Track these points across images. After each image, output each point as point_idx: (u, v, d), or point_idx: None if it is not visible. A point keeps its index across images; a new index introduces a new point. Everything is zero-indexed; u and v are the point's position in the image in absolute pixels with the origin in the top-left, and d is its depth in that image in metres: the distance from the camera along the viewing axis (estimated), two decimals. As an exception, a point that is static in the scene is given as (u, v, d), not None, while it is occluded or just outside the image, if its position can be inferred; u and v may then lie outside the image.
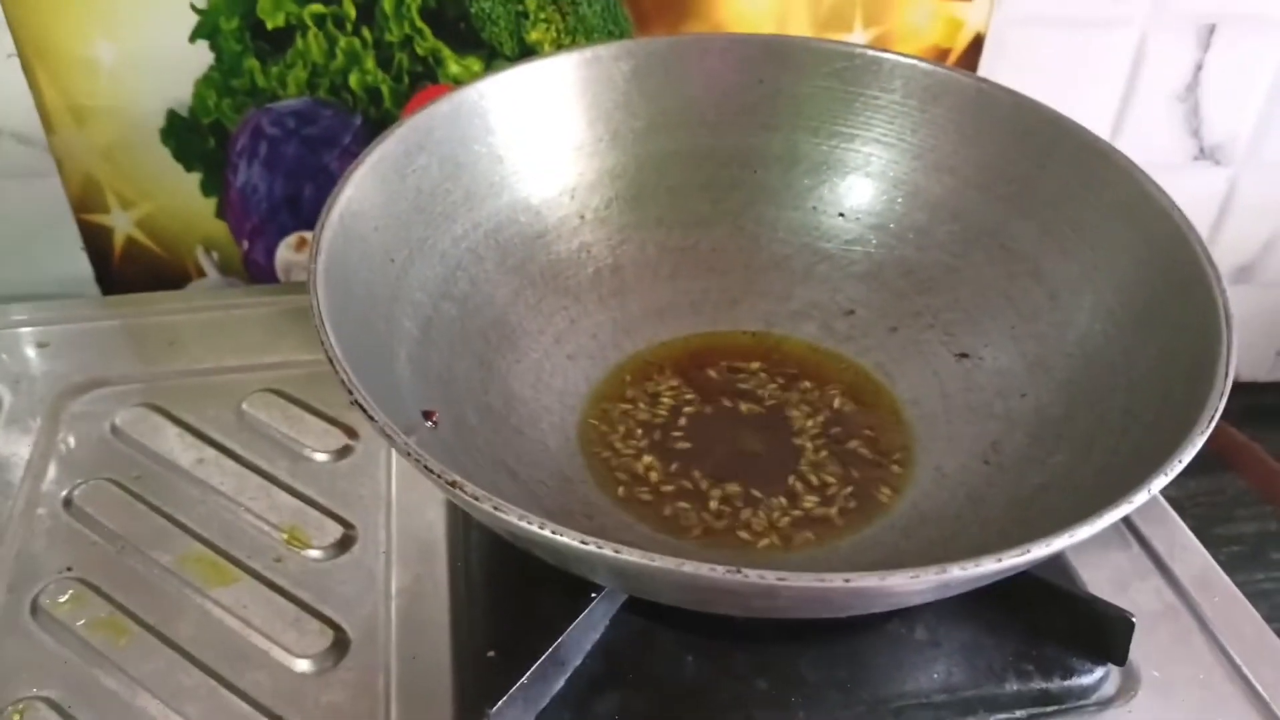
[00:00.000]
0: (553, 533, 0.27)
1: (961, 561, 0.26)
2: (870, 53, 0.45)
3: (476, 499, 0.28)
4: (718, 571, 0.26)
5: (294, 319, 0.51)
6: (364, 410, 0.30)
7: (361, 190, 0.38)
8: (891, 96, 0.45)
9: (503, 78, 0.43)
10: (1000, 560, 0.26)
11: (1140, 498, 0.28)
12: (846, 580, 0.26)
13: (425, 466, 0.29)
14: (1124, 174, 0.40)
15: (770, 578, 0.26)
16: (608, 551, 0.27)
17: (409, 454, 0.29)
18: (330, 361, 0.31)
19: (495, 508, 0.28)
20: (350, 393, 0.31)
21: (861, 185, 0.46)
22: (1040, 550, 0.27)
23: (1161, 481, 0.29)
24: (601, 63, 0.45)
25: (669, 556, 0.26)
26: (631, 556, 0.27)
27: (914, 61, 0.45)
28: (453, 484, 0.28)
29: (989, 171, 0.44)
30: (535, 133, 0.44)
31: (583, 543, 0.27)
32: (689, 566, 0.26)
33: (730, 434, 0.42)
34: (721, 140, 0.47)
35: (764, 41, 0.47)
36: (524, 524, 0.28)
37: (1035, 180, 0.42)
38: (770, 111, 0.46)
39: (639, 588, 0.31)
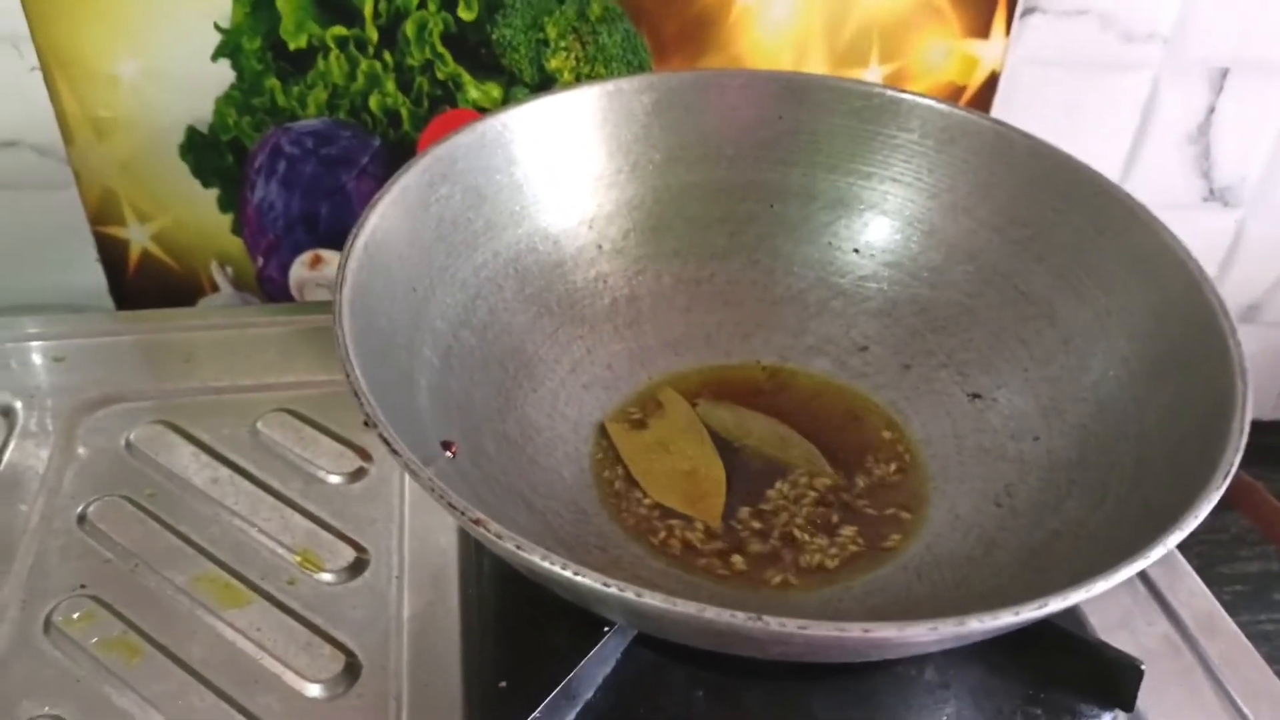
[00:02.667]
0: (574, 574, 0.28)
1: (979, 614, 0.27)
2: (889, 93, 0.46)
3: (499, 537, 0.28)
4: (738, 618, 0.26)
5: (309, 339, 0.51)
6: (388, 444, 0.30)
7: (386, 220, 0.38)
8: (909, 136, 0.46)
9: (526, 109, 0.43)
10: (1018, 614, 0.27)
11: (1156, 553, 0.29)
12: (866, 630, 0.26)
13: (449, 503, 0.29)
14: (1140, 222, 0.40)
15: (790, 625, 0.26)
16: (629, 595, 0.27)
17: (433, 489, 0.29)
18: (355, 394, 0.32)
19: (518, 547, 0.28)
20: (375, 425, 0.31)
21: (877, 223, 0.47)
22: (1057, 604, 0.27)
23: (1177, 537, 0.29)
24: (623, 95, 0.45)
25: (690, 601, 0.27)
26: (653, 600, 0.27)
27: (931, 103, 0.45)
28: (476, 521, 0.29)
29: (1004, 214, 0.44)
30: (556, 163, 0.45)
31: (604, 585, 0.27)
32: (710, 613, 0.26)
33: (742, 468, 0.42)
34: (739, 174, 0.47)
35: (785, 79, 0.47)
36: (546, 564, 0.28)
37: (1051, 225, 0.43)
38: (789, 147, 0.47)
39: (658, 629, 0.31)
